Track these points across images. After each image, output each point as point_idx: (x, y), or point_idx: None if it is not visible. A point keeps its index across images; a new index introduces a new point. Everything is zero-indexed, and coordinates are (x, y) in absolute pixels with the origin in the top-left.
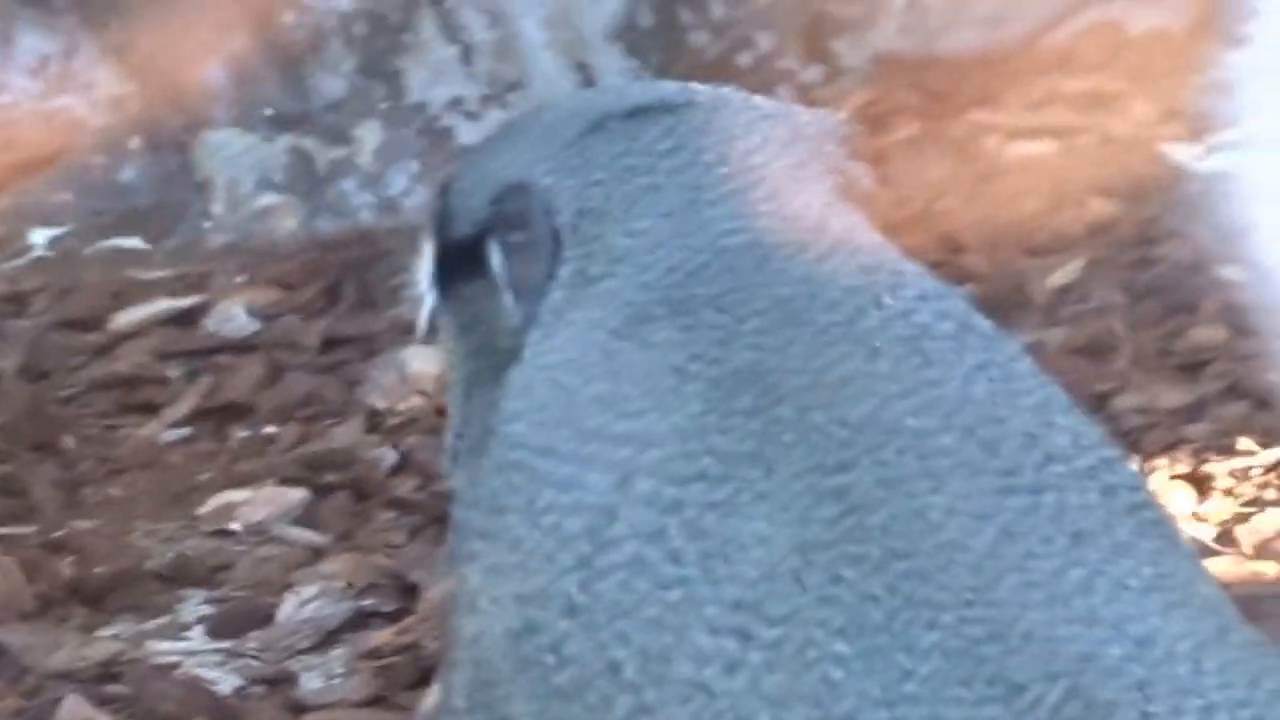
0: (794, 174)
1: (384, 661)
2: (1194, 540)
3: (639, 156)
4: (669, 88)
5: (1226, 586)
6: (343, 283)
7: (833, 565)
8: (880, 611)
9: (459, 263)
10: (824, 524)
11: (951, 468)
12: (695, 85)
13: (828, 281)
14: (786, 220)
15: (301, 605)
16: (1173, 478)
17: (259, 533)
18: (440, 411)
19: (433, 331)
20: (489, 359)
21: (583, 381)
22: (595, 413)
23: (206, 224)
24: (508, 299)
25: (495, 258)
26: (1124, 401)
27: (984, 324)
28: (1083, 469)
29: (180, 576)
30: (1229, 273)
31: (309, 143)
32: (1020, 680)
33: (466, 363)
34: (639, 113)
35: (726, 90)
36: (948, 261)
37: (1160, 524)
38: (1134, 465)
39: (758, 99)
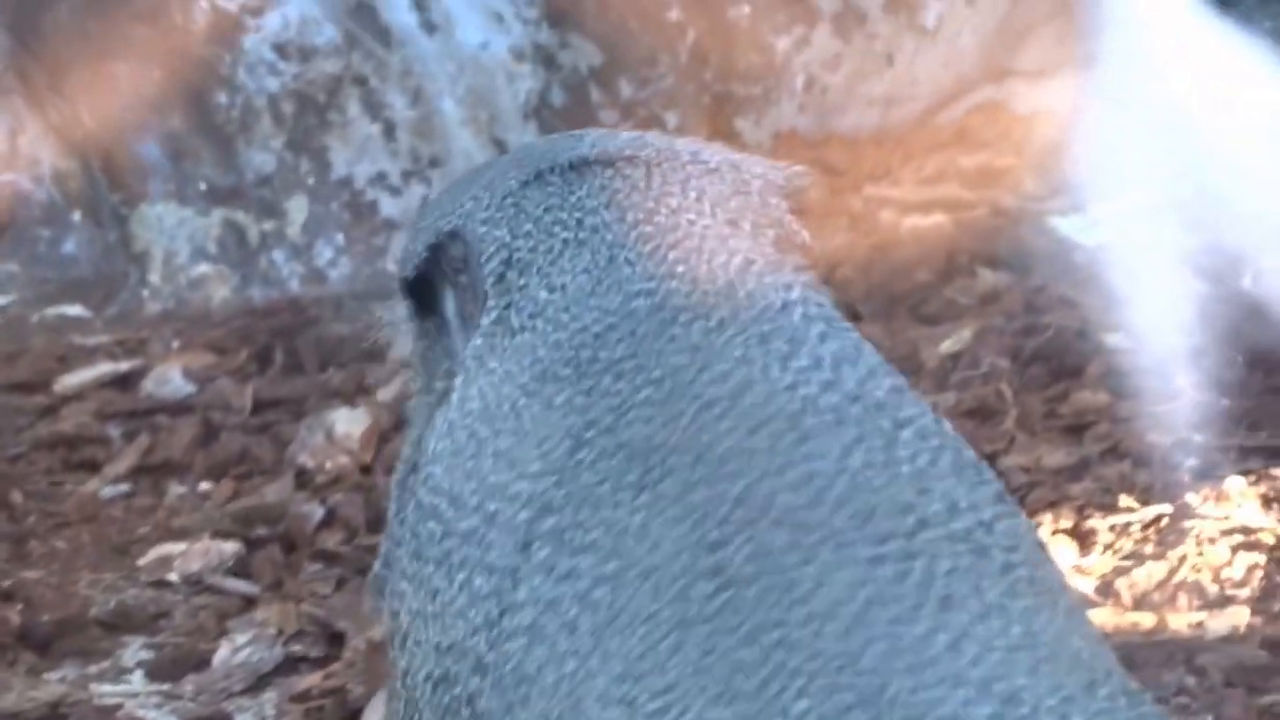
0: (724, 231)
1: (312, 703)
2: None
3: (569, 211)
4: (620, 139)
5: (1107, 637)
6: (273, 348)
7: (709, 638)
8: (753, 681)
9: (419, 301)
10: (701, 599)
11: (822, 540)
12: (650, 136)
13: (720, 352)
14: (698, 283)
15: (235, 651)
16: (1055, 533)
17: (195, 583)
18: (365, 470)
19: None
20: (432, 395)
21: (491, 434)
22: (499, 469)
23: (145, 292)
24: (455, 338)
25: (445, 299)
26: (1010, 461)
27: (877, 389)
28: (957, 532)
29: (121, 624)
30: (1112, 339)
31: (241, 216)
32: None
33: (419, 396)
34: (578, 166)
35: (680, 142)
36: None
37: (1035, 581)
38: (1020, 522)
39: (709, 151)
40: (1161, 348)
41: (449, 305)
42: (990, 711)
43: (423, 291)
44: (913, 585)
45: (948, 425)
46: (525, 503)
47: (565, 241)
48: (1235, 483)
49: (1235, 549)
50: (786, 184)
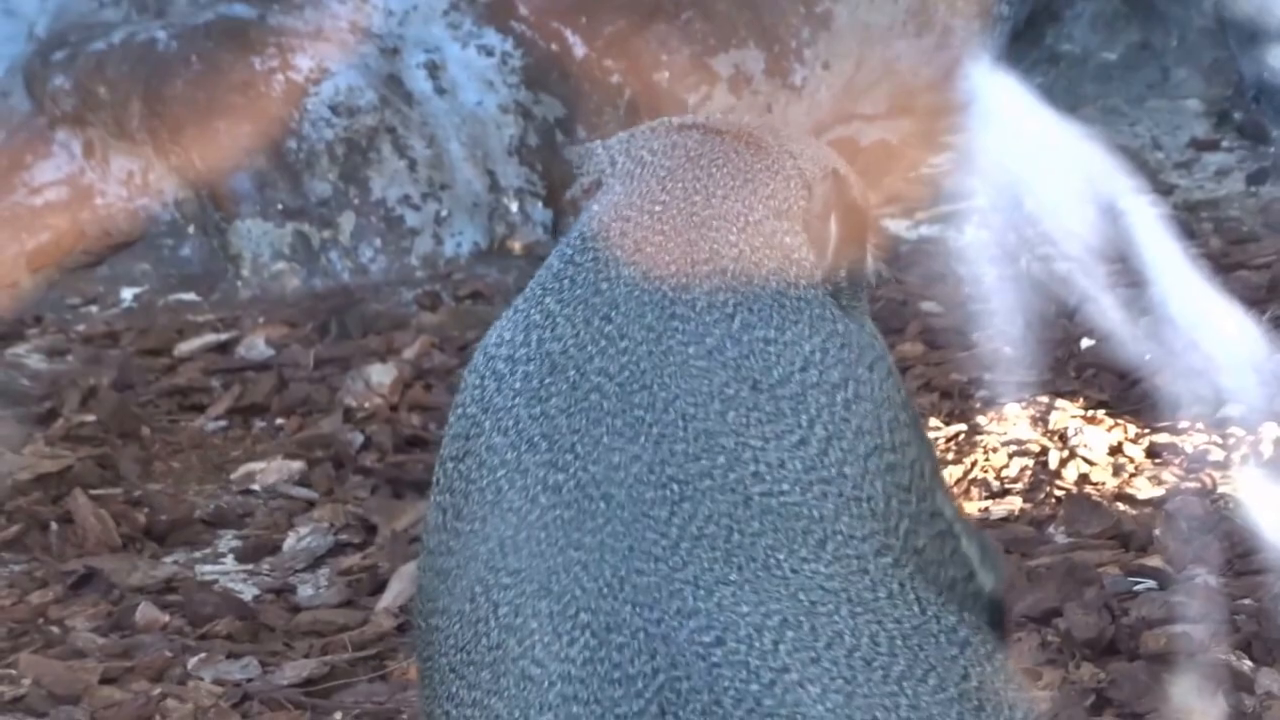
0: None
1: (353, 577)
2: None
3: (640, 149)
4: (720, 117)
5: None
6: (329, 322)
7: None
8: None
9: None
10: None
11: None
12: (744, 118)
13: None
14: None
15: (299, 540)
16: None
17: (271, 491)
18: (393, 409)
19: None
20: None
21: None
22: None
23: (238, 283)
24: None
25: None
26: None
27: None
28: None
29: (218, 521)
30: (927, 306)
31: (306, 227)
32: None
33: None
34: (681, 125)
35: (761, 126)
36: None
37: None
38: None
39: (776, 135)
40: (962, 312)
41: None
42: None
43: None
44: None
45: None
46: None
47: (626, 171)
48: (1012, 409)
49: (1011, 455)
50: (821, 178)
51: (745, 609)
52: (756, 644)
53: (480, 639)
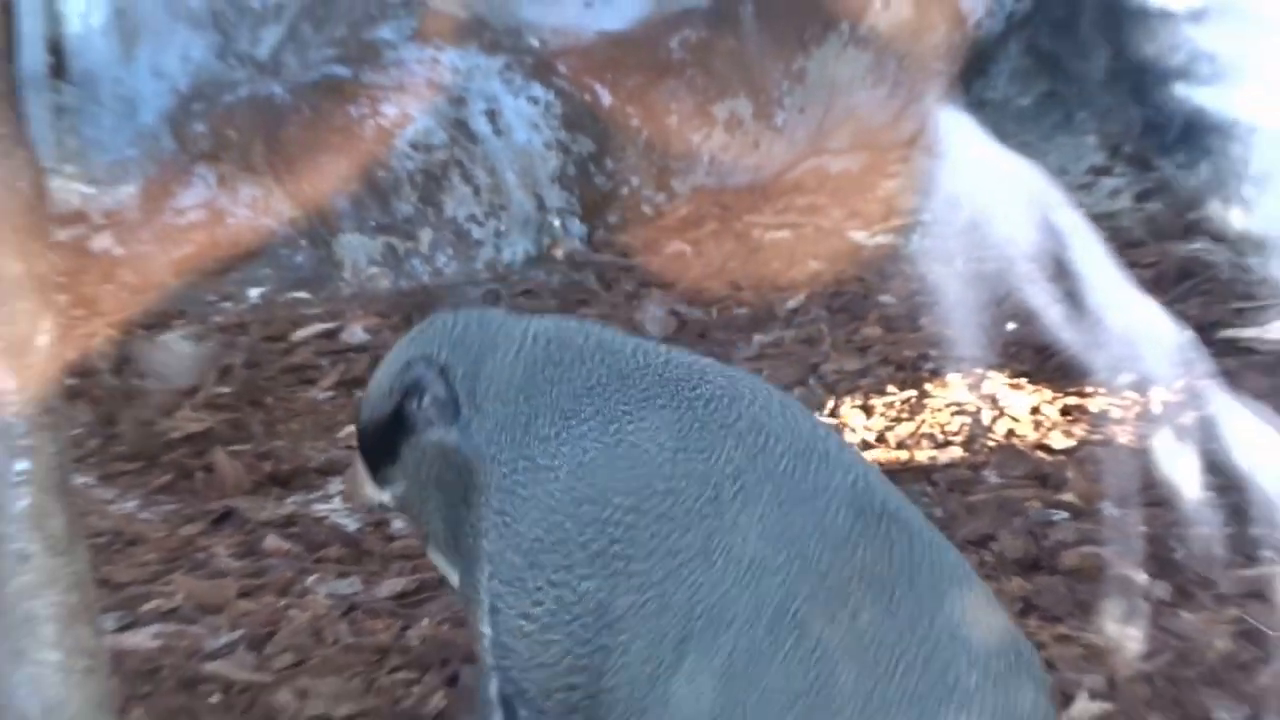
0: None
1: None
2: (861, 441)
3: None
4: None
5: (880, 465)
6: (413, 314)
7: None
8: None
9: None
10: None
11: None
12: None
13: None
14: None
15: None
16: (852, 407)
17: None
18: None
19: None
20: None
21: None
22: None
23: (341, 284)
24: None
25: None
26: (827, 367)
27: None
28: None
29: (328, 470)
30: (884, 299)
31: (394, 239)
32: None
33: None
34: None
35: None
36: (732, 295)
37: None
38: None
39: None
40: (912, 302)
41: None
42: None
43: None
44: None
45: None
46: None
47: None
48: (953, 378)
49: (953, 414)
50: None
51: None
52: None
53: None
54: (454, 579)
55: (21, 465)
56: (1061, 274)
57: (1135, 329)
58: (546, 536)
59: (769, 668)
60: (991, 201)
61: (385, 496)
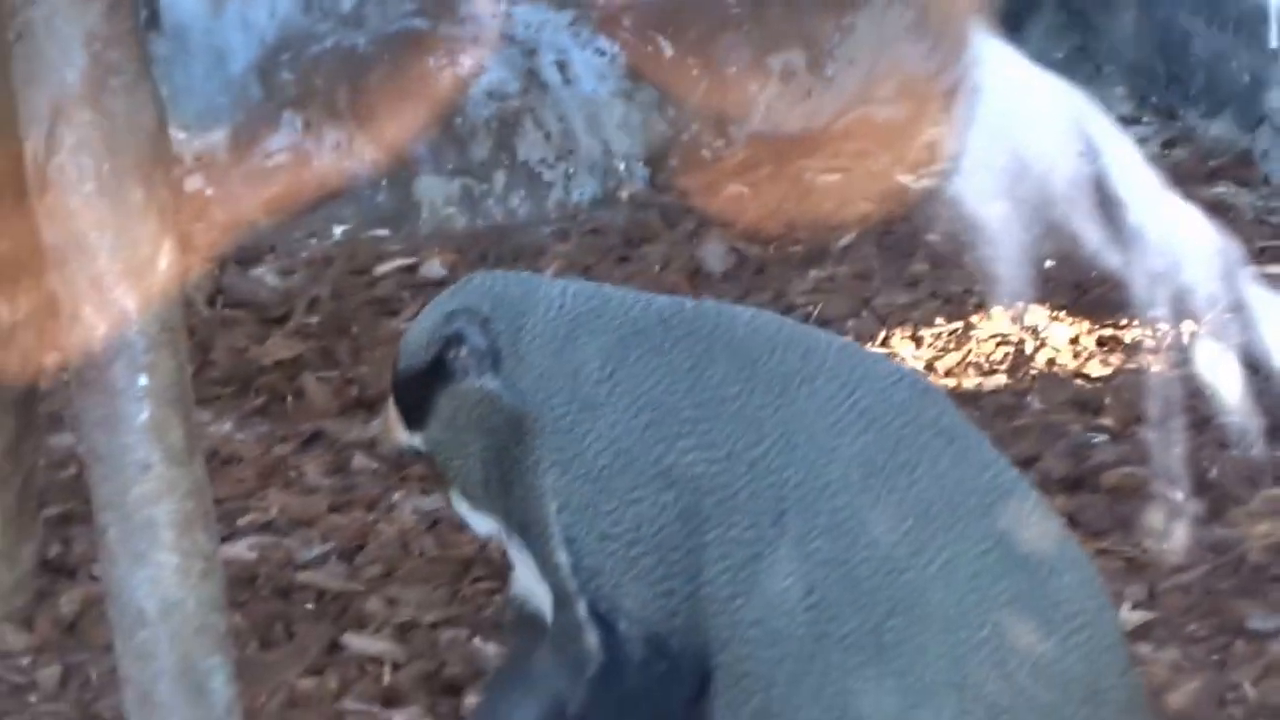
0: None
1: None
2: (915, 369)
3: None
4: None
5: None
6: (488, 251)
7: None
8: None
9: None
10: None
11: None
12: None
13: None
14: None
15: None
16: (901, 339)
17: None
18: None
19: None
20: None
21: None
22: None
23: (419, 222)
24: None
25: None
26: (879, 301)
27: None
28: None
29: None
30: (931, 237)
31: (470, 181)
32: None
33: None
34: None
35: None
36: (787, 234)
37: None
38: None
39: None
40: (959, 241)
41: None
42: None
43: None
44: None
45: None
46: None
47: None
48: (997, 310)
49: (997, 345)
50: None
51: None
52: None
53: None
54: (481, 524)
55: (143, 380)
56: (1102, 197)
57: (1175, 236)
58: (614, 462)
59: (870, 515)
60: (1032, 126)
61: (417, 441)
